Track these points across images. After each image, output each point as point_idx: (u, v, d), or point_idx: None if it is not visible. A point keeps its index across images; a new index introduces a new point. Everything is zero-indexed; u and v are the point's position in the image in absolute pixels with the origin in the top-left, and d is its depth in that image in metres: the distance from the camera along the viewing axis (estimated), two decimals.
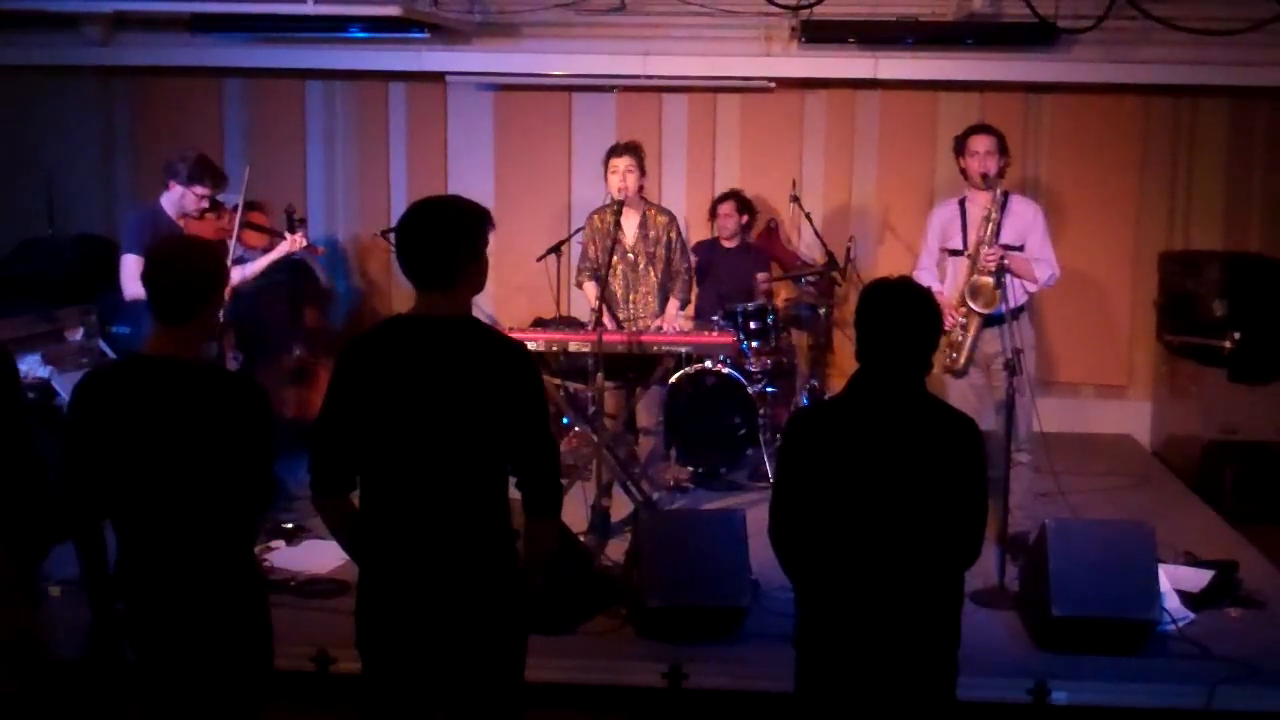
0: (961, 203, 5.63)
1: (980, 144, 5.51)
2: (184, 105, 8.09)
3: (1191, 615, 4.83)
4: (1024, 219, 5.56)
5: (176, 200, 5.61)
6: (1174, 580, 4.92)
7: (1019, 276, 5.47)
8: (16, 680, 2.54)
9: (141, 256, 5.39)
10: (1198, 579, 5.10)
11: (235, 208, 5.74)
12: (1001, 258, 5.37)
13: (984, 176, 5.46)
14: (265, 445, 2.99)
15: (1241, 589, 5.10)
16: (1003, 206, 5.49)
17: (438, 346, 2.87)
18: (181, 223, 5.59)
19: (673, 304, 6.29)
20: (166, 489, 2.91)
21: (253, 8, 7.16)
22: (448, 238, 2.88)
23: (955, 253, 5.61)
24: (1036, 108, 7.77)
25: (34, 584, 3.68)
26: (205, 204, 5.63)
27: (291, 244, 5.99)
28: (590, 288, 6.21)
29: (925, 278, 5.71)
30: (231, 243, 5.62)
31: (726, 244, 7.35)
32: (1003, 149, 5.54)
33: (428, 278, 2.90)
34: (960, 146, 5.61)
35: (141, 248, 5.38)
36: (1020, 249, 5.51)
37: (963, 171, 5.62)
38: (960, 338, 5.51)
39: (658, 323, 6.19)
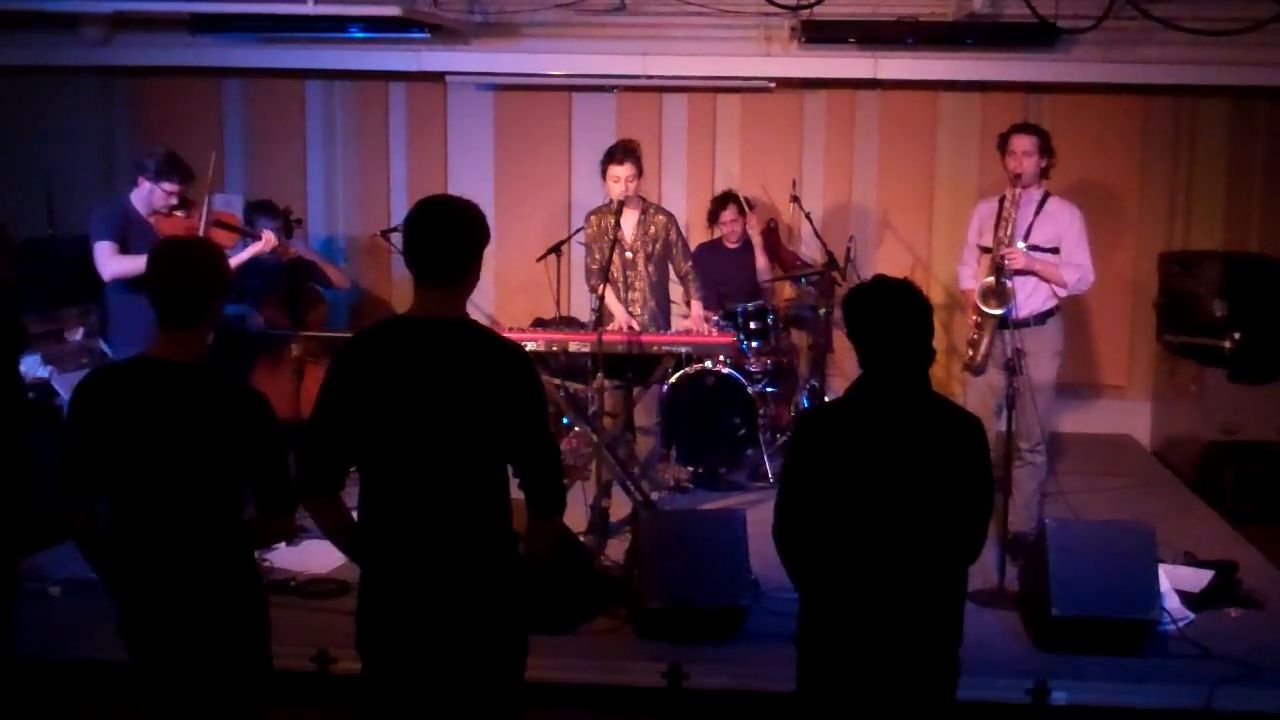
0: (1002, 200, 5.61)
1: (1019, 144, 5.51)
2: (184, 105, 8.08)
3: (1191, 615, 4.83)
4: (1059, 221, 5.54)
5: (145, 196, 5.60)
6: (1174, 580, 4.92)
7: (1044, 279, 5.47)
8: None
9: (114, 242, 5.43)
10: (1198, 579, 5.10)
11: (207, 205, 5.75)
12: (1004, 258, 5.36)
13: (1015, 176, 5.47)
14: (274, 451, 3.00)
15: (1241, 589, 5.10)
16: (1039, 207, 5.49)
17: (437, 349, 2.87)
18: (152, 220, 5.58)
19: (696, 306, 6.32)
20: (162, 492, 2.90)
21: (253, 8, 7.16)
22: (462, 234, 2.92)
23: (986, 250, 5.60)
24: (1036, 108, 7.76)
25: (14, 579, 3.68)
26: (174, 200, 5.63)
27: (265, 244, 5.99)
28: (607, 291, 6.20)
29: (965, 274, 5.77)
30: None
31: (729, 244, 7.34)
32: (1044, 149, 5.53)
33: (437, 272, 2.90)
34: (1002, 144, 5.60)
35: (113, 235, 5.45)
36: (1055, 251, 5.51)
37: (1006, 170, 5.61)
38: (977, 336, 5.54)
39: (687, 324, 6.25)
